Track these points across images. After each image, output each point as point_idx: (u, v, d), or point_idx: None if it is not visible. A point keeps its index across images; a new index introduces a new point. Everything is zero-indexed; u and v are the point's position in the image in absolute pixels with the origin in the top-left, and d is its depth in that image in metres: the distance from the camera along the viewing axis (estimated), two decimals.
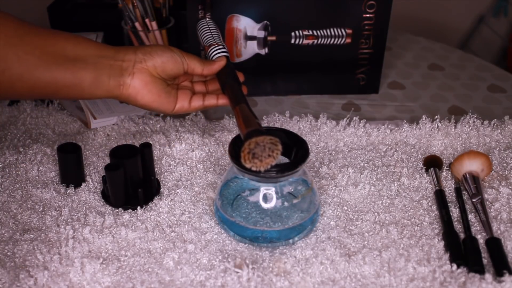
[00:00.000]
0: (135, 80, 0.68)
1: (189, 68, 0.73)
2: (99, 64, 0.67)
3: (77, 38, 0.67)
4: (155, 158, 0.75)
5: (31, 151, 0.78)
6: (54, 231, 0.66)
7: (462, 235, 0.66)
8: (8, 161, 0.77)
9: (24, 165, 0.76)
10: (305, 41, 0.93)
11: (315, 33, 0.93)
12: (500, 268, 0.61)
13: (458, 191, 0.73)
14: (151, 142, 0.77)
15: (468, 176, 0.74)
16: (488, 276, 0.59)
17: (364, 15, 0.92)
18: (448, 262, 0.62)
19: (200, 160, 0.79)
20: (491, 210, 0.70)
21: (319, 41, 0.93)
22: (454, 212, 0.70)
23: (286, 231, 0.65)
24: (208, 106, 0.75)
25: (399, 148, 0.81)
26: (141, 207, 0.69)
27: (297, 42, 0.93)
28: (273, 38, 0.93)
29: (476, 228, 0.68)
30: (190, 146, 0.81)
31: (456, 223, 0.68)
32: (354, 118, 0.86)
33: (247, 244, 0.65)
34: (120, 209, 0.69)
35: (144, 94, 0.69)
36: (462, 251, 0.64)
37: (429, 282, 0.60)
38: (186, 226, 0.67)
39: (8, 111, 0.88)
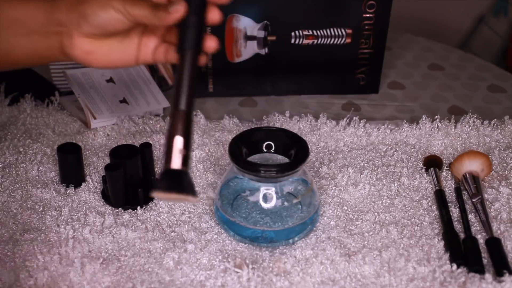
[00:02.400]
0: (76, 51, 0.59)
1: (139, 20, 0.56)
2: (32, 36, 0.58)
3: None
4: (155, 158, 0.75)
5: (31, 151, 0.78)
6: (54, 231, 0.66)
7: (462, 235, 0.66)
8: (8, 161, 0.77)
9: (24, 165, 0.76)
10: (305, 41, 0.93)
11: (315, 33, 0.92)
12: (500, 268, 0.61)
13: (458, 191, 0.73)
14: (151, 142, 0.77)
15: (468, 176, 0.74)
16: (488, 276, 0.59)
17: (364, 15, 0.92)
18: (448, 262, 0.62)
19: (200, 160, 0.79)
20: (491, 210, 0.70)
21: (319, 41, 0.93)
22: (454, 212, 0.70)
23: (286, 231, 0.65)
24: (170, 62, 0.61)
25: (399, 148, 0.81)
26: (141, 207, 0.69)
27: (297, 42, 0.93)
28: (273, 38, 0.93)
29: (476, 228, 0.68)
30: None
31: (456, 223, 0.68)
32: (354, 118, 0.86)
33: (247, 244, 0.65)
34: (120, 209, 0.69)
35: (92, 60, 0.60)
36: (462, 251, 0.64)
37: (429, 282, 0.60)
38: (186, 226, 0.67)
39: (8, 111, 0.88)
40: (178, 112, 0.52)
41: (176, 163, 0.50)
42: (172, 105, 0.53)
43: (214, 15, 0.56)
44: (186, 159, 0.50)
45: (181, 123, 0.51)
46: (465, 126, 0.85)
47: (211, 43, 0.56)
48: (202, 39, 0.54)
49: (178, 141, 0.51)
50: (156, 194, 0.50)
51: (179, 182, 0.50)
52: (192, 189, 0.50)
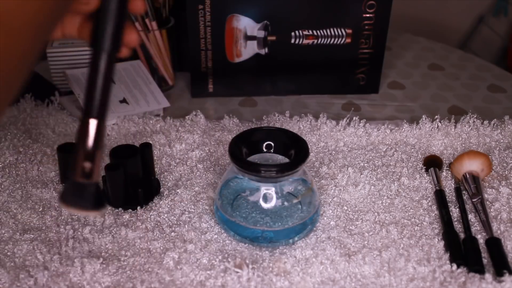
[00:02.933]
0: None
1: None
2: None
3: None
4: (155, 158, 0.75)
5: (31, 151, 0.78)
6: (54, 231, 0.66)
7: (462, 235, 0.66)
8: (8, 161, 0.77)
9: (24, 165, 0.76)
10: (305, 41, 0.93)
11: (315, 33, 0.93)
12: (500, 268, 0.61)
13: (458, 191, 0.73)
14: (151, 142, 0.77)
15: (468, 176, 0.74)
16: (488, 276, 0.59)
17: (364, 15, 0.92)
18: (448, 262, 0.62)
19: (200, 160, 0.79)
20: (491, 210, 0.70)
21: (319, 41, 0.93)
22: (454, 212, 0.70)
23: (286, 231, 0.65)
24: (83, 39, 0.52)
25: (399, 148, 0.81)
26: (141, 207, 0.70)
27: (297, 42, 0.93)
28: (273, 38, 0.93)
29: (476, 228, 0.68)
30: (190, 146, 0.81)
31: (456, 223, 0.68)
32: (354, 118, 0.86)
33: (247, 244, 0.65)
34: (120, 209, 0.69)
35: None
36: (462, 251, 0.64)
37: (429, 282, 0.60)
38: (186, 226, 0.67)
39: (8, 111, 0.88)
40: (86, 122, 0.46)
41: (78, 175, 0.46)
42: (82, 111, 0.47)
43: (136, 4, 0.49)
44: (90, 172, 0.46)
45: (89, 133, 0.46)
46: (465, 126, 0.85)
47: (131, 38, 0.49)
48: (120, 35, 0.47)
49: (82, 154, 0.46)
50: (60, 205, 0.47)
51: (79, 196, 0.46)
52: (89, 204, 0.47)
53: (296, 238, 0.65)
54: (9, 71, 0.41)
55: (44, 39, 0.44)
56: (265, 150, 0.68)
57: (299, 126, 0.86)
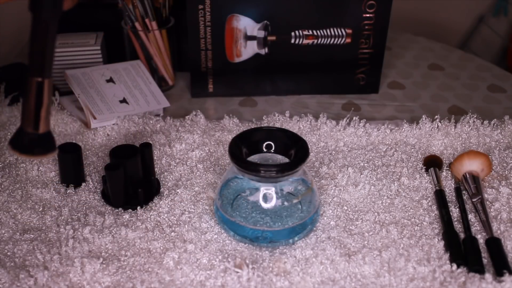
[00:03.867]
0: None
1: None
2: None
3: None
4: (155, 158, 0.75)
5: None
6: (54, 231, 0.66)
7: (462, 235, 0.66)
8: (8, 161, 0.77)
9: (24, 165, 0.76)
10: (305, 41, 0.93)
11: (315, 33, 0.93)
12: (500, 268, 0.61)
13: (458, 191, 0.73)
14: (151, 142, 0.77)
15: (468, 176, 0.74)
16: (488, 276, 0.59)
17: (364, 15, 0.92)
18: (448, 262, 0.62)
19: (200, 160, 0.79)
20: (491, 210, 0.70)
21: (319, 41, 0.93)
22: (454, 212, 0.70)
23: (286, 231, 0.65)
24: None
25: (399, 148, 0.81)
26: (141, 207, 0.70)
27: (297, 42, 0.93)
28: (273, 38, 0.93)
29: (476, 228, 0.68)
30: (190, 146, 0.81)
31: (456, 223, 0.68)
32: (354, 118, 0.86)
33: (247, 244, 0.65)
34: (120, 209, 0.69)
35: None
36: (462, 251, 0.64)
37: (429, 282, 0.60)
38: (186, 226, 0.67)
39: (8, 111, 0.88)
40: (31, 81, 0.53)
41: (26, 126, 0.54)
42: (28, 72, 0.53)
43: None
44: (35, 124, 0.54)
45: (37, 91, 0.53)
46: (465, 126, 0.85)
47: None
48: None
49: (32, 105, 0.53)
50: (9, 151, 0.55)
51: (22, 142, 0.55)
52: (29, 150, 0.55)
53: (296, 238, 0.65)
54: None
55: None
56: (265, 150, 0.68)
57: (299, 126, 0.86)
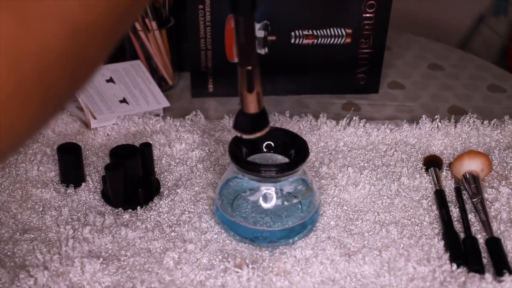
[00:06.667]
0: None
1: None
2: None
3: None
4: (155, 158, 0.75)
5: (31, 151, 0.78)
6: (54, 231, 0.66)
7: (462, 235, 0.66)
8: (8, 161, 0.77)
9: (24, 165, 0.76)
10: (305, 41, 0.93)
11: (315, 33, 0.92)
12: (500, 268, 0.61)
13: (458, 191, 0.73)
14: (151, 142, 0.77)
15: (468, 175, 0.74)
16: (488, 276, 0.59)
17: (364, 15, 0.92)
18: (448, 262, 0.62)
19: (200, 160, 0.79)
20: (491, 210, 0.70)
21: (319, 41, 0.93)
22: (454, 212, 0.70)
23: (286, 231, 0.65)
24: None
25: (399, 148, 0.81)
26: (141, 207, 0.69)
27: (297, 42, 0.93)
28: (273, 38, 0.93)
29: (476, 228, 0.68)
30: (190, 146, 0.81)
31: (456, 223, 0.68)
32: (354, 118, 0.86)
33: (247, 244, 0.65)
34: (120, 209, 0.69)
35: None
36: (462, 251, 0.64)
37: (429, 282, 0.60)
38: (186, 226, 0.67)
39: None
40: (243, 70, 0.60)
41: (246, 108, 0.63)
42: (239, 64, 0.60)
43: None
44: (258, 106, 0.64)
45: (250, 79, 0.61)
46: (465, 126, 0.85)
47: None
48: None
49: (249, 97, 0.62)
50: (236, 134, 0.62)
51: (256, 123, 0.63)
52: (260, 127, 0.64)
53: (296, 238, 0.65)
54: (74, 74, 0.38)
55: (116, 41, 0.42)
56: (265, 150, 0.68)
57: (299, 126, 0.86)
